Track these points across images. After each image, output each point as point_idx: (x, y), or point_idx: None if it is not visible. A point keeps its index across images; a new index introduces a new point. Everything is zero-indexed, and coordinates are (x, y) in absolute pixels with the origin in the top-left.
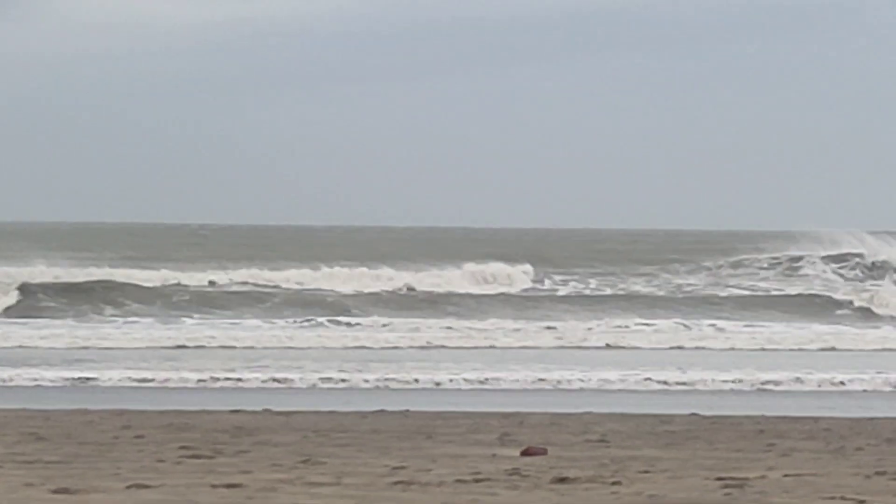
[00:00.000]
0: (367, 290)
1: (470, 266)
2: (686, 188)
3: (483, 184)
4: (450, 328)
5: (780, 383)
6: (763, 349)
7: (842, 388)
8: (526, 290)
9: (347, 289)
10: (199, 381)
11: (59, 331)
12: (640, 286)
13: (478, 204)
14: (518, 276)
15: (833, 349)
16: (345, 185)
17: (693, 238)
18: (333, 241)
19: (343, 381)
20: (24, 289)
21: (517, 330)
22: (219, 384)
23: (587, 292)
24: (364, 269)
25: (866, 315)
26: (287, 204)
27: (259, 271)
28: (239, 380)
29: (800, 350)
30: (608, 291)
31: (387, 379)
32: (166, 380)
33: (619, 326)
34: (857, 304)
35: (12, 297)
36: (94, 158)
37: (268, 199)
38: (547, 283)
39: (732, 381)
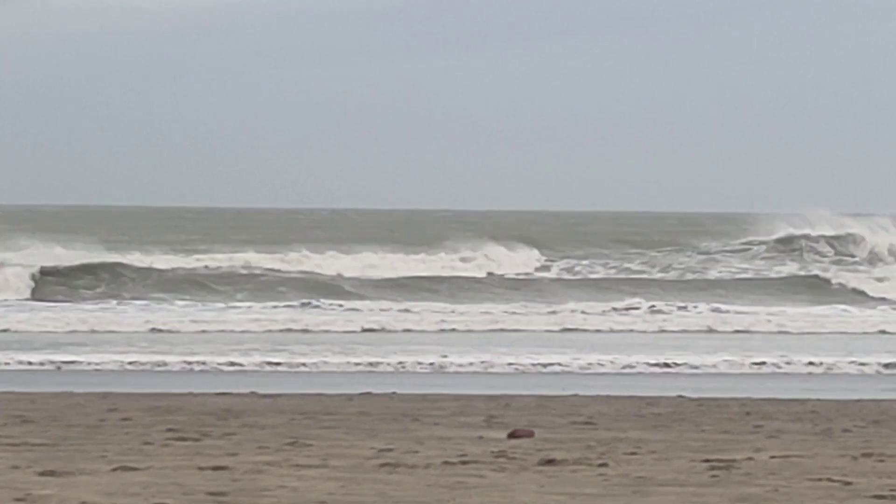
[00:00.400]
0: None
1: (475, 250)
2: (665, 170)
3: (455, 167)
4: (487, 313)
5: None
6: (781, 332)
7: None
8: (532, 273)
9: (351, 272)
10: (186, 363)
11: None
12: (650, 270)
13: (451, 187)
14: (524, 260)
15: (843, 333)
16: (322, 169)
17: (676, 220)
18: (321, 223)
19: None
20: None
21: (515, 313)
22: (206, 367)
23: (594, 276)
24: (369, 253)
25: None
26: (260, 187)
27: (259, 255)
28: (232, 363)
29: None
30: (618, 276)
31: (372, 363)
32: (153, 363)
33: (653, 309)
34: (852, 285)
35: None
36: (50, 141)
37: (244, 183)
38: (553, 268)
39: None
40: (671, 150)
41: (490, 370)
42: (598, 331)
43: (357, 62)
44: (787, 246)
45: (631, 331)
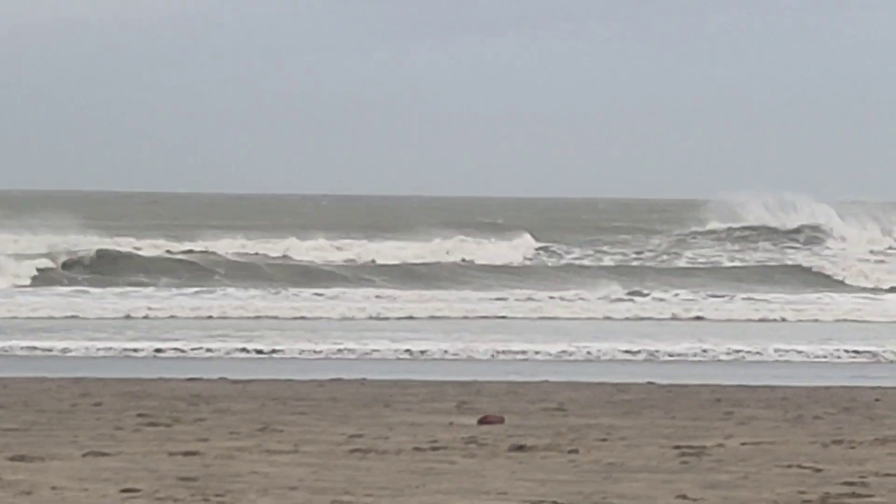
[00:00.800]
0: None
1: (471, 238)
2: (635, 156)
3: (424, 152)
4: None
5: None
6: (777, 320)
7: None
8: (522, 261)
9: (338, 259)
10: (157, 350)
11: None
12: (634, 257)
13: (422, 172)
14: (519, 248)
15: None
16: (290, 154)
17: (647, 207)
18: (296, 210)
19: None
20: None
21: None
22: (177, 353)
23: (579, 263)
24: (363, 241)
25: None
26: (235, 174)
27: (249, 241)
28: (205, 349)
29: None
30: (609, 262)
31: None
32: (126, 349)
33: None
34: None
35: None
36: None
37: (215, 169)
38: (540, 255)
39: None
40: (637, 138)
41: (461, 357)
42: (575, 318)
43: (334, 50)
44: (760, 234)
45: (608, 318)
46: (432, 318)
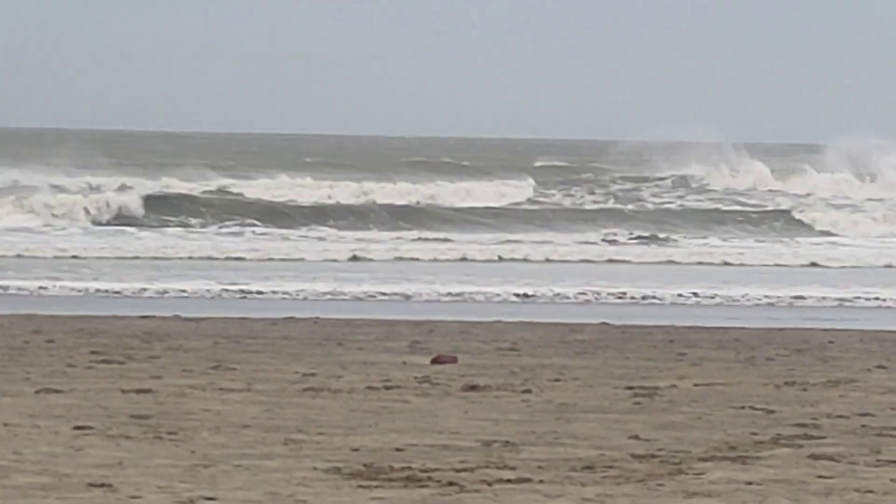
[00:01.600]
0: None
1: (465, 181)
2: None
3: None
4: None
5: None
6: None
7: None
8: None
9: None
10: (112, 291)
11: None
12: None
13: (377, 112)
14: (519, 190)
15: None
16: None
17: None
18: (267, 148)
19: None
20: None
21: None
22: (133, 293)
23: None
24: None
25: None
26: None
27: (235, 181)
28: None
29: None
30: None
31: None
32: (79, 288)
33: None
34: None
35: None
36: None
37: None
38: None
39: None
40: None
41: (414, 298)
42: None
43: None
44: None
45: (587, 261)
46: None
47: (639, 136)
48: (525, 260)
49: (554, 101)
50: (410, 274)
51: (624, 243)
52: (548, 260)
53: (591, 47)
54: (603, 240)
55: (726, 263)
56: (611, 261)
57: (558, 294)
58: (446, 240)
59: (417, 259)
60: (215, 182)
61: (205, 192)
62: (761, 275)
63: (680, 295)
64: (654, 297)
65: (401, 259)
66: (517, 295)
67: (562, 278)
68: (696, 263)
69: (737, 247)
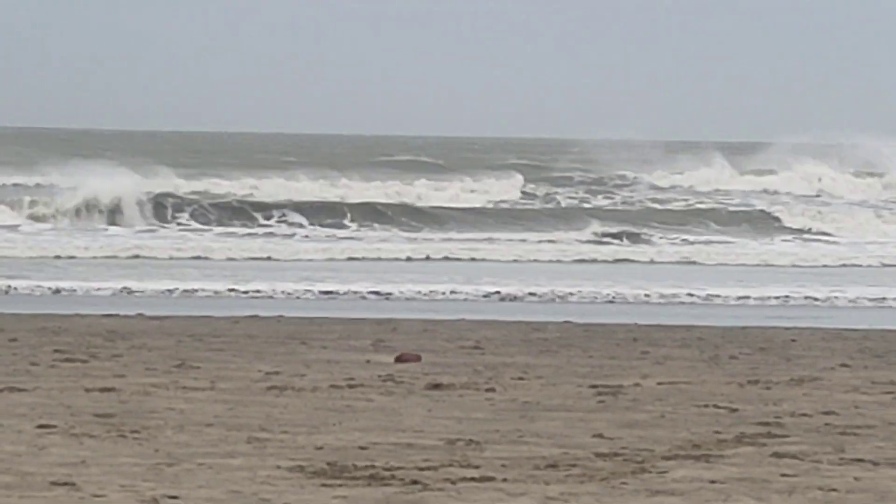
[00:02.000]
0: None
1: (457, 180)
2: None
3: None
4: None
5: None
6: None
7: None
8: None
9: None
10: (69, 289)
11: None
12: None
13: (353, 110)
14: (507, 188)
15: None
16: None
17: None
18: (246, 147)
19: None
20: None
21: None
22: (99, 292)
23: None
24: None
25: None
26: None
27: (220, 181)
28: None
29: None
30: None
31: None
32: (46, 287)
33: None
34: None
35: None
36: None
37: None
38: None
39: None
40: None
41: (377, 297)
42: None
43: None
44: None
45: (559, 261)
46: (350, 259)
47: (602, 135)
48: (491, 260)
49: (526, 100)
50: (375, 272)
51: (588, 241)
52: (515, 261)
53: (577, 45)
54: (576, 239)
55: (691, 262)
56: (580, 261)
57: (527, 293)
58: (414, 239)
59: (380, 259)
60: (173, 181)
61: (164, 191)
62: (726, 273)
63: (645, 294)
64: (617, 296)
65: (365, 259)
66: (485, 295)
67: (529, 277)
68: (661, 263)
69: (704, 245)
